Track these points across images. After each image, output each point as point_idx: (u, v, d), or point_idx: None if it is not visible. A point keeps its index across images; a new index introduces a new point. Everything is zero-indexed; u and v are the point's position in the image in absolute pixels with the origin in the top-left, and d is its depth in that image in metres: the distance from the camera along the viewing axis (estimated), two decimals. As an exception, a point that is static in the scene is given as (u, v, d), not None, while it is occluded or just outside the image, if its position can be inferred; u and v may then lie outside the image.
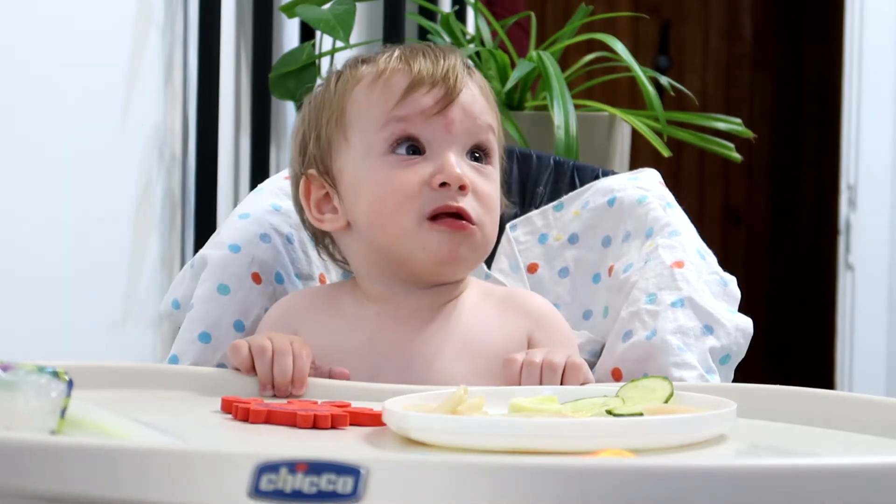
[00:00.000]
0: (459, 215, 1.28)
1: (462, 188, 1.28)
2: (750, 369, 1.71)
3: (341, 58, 1.45)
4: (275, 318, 1.37)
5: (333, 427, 1.09)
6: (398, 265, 1.31)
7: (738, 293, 1.41)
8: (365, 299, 1.35)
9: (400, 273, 1.32)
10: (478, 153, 1.32)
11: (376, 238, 1.31)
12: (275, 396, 1.23)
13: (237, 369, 1.27)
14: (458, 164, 1.28)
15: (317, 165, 1.35)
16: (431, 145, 1.29)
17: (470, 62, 1.37)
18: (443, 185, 1.28)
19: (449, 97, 1.29)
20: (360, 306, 1.35)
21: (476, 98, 1.32)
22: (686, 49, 5.02)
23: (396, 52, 1.33)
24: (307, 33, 2.37)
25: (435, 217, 1.28)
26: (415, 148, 1.29)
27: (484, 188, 1.30)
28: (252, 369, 1.25)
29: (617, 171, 1.61)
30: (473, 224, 1.28)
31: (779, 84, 5.02)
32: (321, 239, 1.41)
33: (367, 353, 1.31)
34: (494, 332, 1.33)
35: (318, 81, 1.44)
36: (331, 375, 1.28)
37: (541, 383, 1.23)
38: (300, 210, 1.40)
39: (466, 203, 1.28)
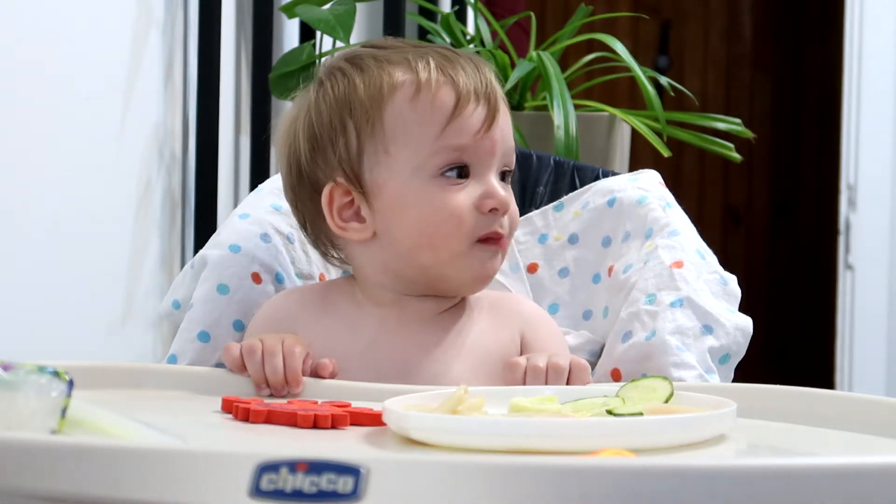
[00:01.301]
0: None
1: (505, 212, 1.31)
2: (750, 369, 1.71)
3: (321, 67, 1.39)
4: (267, 318, 1.35)
5: (334, 427, 1.09)
6: (430, 280, 1.31)
7: (738, 292, 1.41)
8: (366, 302, 1.34)
9: (423, 285, 1.32)
10: (503, 173, 1.33)
11: (420, 256, 1.29)
12: (272, 396, 1.23)
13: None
14: (500, 188, 1.30)
15: (344, 171, 1.31)
16: (475, 168, 1.30)
17: (491, 65, 1.36)
18: (492, 210, 1.29)
19: (492, 116, 1.30)
20: (361, 309, 1.34)
21: (505, 114, 1.33)
22: (686, 49, 5.02)
23: (431, 61, 1.30)
24: (307, 33, 2.37)
25: (481, 239, 1.30)
26: (461, 171, 1.29)
27: (513, 207, 1.32)
28: (244, 369, 1.25)
29: (617, 171, 1.61)
30: (507, 240, 1.32)
31: (779, 84, 5.02)
32: (322, 241, 1.38)
33: (368, 356, 1.30)
34: (489, 334, 1.34)
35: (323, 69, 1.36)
36: (315, 372, 1.26)
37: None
38: (302, 209, 1.36)
39: (504, 224, 1.31)
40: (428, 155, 1.28)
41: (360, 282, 1.36)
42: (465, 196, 1.28)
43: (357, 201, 1.31)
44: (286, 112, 1.38)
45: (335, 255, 1.39)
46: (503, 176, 1.32)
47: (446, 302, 1.34)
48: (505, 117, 1.33)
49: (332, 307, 1.35)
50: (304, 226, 1.38)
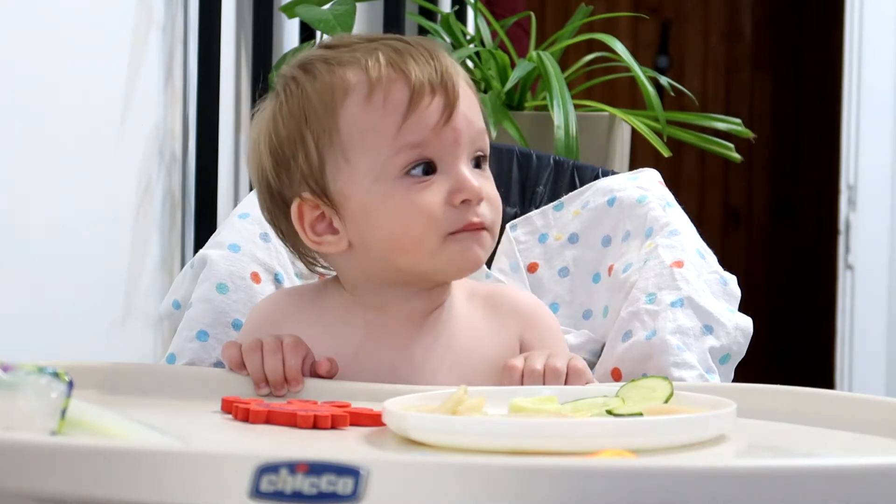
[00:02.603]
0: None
1: (479, 200, 1.26)
2: (750, 369, 1.71)
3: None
4: (257, 323, 1.33)
5: (333, 427, 1.09)
6: (412, 278, 1.28)
7: (738, 292, 1.41)
8: (354, 304, 1.31)
9: (407, 282, 1.28)
10: (477, 159, 1.28)
11: (397, 260, 1.25)
12: (271, 395, 1.23)
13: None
14: (472, 177, 1.25)
15: (309, 186, 1.26)
16: (442, 161, 1.24)
17: (444, 46, 1.31)
18: (464, 201, 1.24)
19: (451, 105, 1.24)
20: (349, 313, 1.31)
21: (469, 98, 1.28)
22: (686, 49, 5.02)
23: (381, 57, 1.25)
24: (307, 33, 2.37)
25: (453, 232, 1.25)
26: (427, 167, 1.24)
27: (490, 192, 1.27)
28: (242, 367, 1.25)
29: (617, 171, 1.61)
30: (485, 228, 1.26)
31: (779, 84, 5.02)
32: (305, 255, 1.35)
33: (354, 366, 1.28)
34: (485, 338, 1.31)
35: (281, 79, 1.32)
36: (314, 371, 1.26)
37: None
38: (280, 227, 1.32)
39: (481, 212, 1.26)
40: (388, 157, 1.23)
41: (345, 287, 1.32)
42: (433, 193, 1.23)
43: (328, 214, 1.27)
44: (251, 127, 1.33)
45: (322, 266, 1.36)
46: (478, 162, 1.27)
47: (436, 299, 1.30)
48: (468, 102, 1.26)
49: (321, 314, 1.31)
50: (285, 243, 1.35)
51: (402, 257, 1.25)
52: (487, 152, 1.29)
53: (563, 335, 1.39)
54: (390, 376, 1.26)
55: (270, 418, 1.10)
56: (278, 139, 1.28)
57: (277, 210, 1.31)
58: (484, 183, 1.27)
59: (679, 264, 1.39)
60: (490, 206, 1.27)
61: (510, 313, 1.33)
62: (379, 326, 1.30)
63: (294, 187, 1.28)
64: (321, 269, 1.37)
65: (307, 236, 1.28)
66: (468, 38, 2.26)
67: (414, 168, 1.24)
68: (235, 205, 1.75)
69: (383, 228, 1.25)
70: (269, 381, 1.23)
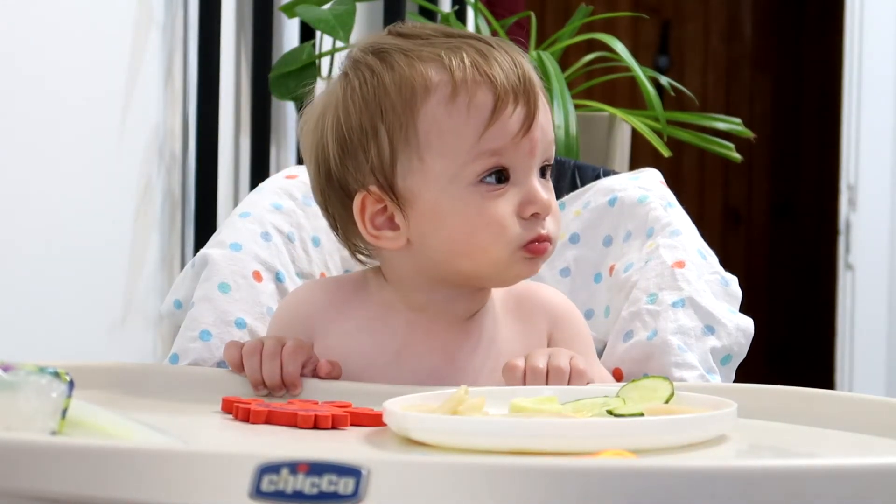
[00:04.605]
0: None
1: (547, 215, 1.24)
2: (750, 369, 1.71)
3: (341, 58, 1.32)
4: (289, 315, 1.32)
5: (334, 427, 1.09)
6: (466, 280, 1.26)
7: (739, 293, 1.41)
8: (396, 302, 1.30)
9: (457, 283, 1.27)
10: (543, 168, 1.26)
11: (458, 263, 1.24)
12: (270, 395, 1.23)
13: (234, 368, 1.27)
14: (542, 190, 1.24)
15: (377, 179, 1.24)
16: (515, 171, 1.23)
17: (523, 52, 1.28)
18: (533, 214, 1.23)
19: (531, 116, 1.22)
20: (391, 311, 1.29)
21: (545, 107, 1.26)
22: (686, 49, 5.02)
23: (466, 58, 1.22)
24: (307, 33, 2.37)
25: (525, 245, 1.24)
26: (500, 175, 1.22)
27: (555, 205, 1.26)
28: (242, 368, 1.25)
29: (617, 171, 1.61)
30: (551, 242, 1.26)
31: (779, 84, 5.02)
32: (353, 243, 1.33)
33: (394, 366, 1.27)
34: (520, 339, 1.30)
35: (335, 71, 1.29)
36: (315, 374, 1.25)
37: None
38: (333, 213, 1.31)
39: (548, 224, 1.25)
40: (465, 162, 1.21)
41: (391, 282, 1.31)
42: (505, 203, 1.22)
43: (390, 209, 1.24)
44: (312, 106, 1.31)
45: (364, 254, 1.34)
46: (543, 171, 1.26)
47: (478, 301, 1.30)
48: (544, 111, 1.25)
49: (360, 307, 1.30)
50: (334, 228, 1.33)
51: (465, 261, 1.24)
52: (552, 162, 1.28)
53: (589, 336, 1.37)
54: (432, 378, 1.26)
55: (271, 418, 1.10)
56: (348, 126, 1.25)
57: (334, 196, 1.29)
58: (550, 197, 1.26)
59: (680, 264, 1.39)
60: (554, 220, 1.26)
61: (541, 313, 1.33)
62: (421, 327, 1.29)
63: (360, 178, 1.25)
64: (364, 259, 1.35)
65: (366, 229, 1.26)
66: (468, 38, 2.26)
67: (489, 175, 1.22)
68: (235, 205, 1.76)
69: (450, 232, 1.23)
70: (267, 385, 1.23)
